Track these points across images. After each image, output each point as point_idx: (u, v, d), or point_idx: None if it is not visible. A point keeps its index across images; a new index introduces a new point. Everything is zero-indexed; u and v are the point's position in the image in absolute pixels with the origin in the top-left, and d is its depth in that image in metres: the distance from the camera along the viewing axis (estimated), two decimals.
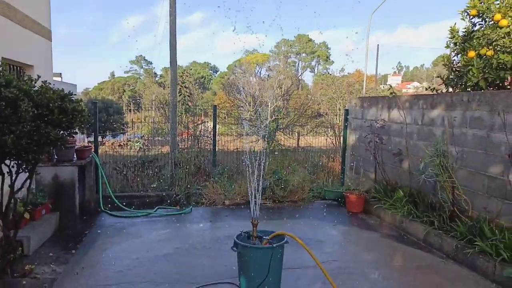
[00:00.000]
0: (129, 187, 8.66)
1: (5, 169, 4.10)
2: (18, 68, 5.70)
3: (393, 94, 6.78)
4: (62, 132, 4.08)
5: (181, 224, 6.18)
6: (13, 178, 4.13)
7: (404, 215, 5.90)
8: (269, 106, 8.91)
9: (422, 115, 6.12)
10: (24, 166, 4.05)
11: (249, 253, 3.72)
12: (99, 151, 10.22)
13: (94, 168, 7.08)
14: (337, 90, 24.99)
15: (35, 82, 4.11)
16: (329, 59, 64.24)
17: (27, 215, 5.15)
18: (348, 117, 8.48)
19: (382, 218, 6.44)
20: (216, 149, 9.02)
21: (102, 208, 6.82)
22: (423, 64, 78.41)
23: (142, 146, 12.56)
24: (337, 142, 11.39)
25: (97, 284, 4.00)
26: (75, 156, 6.43)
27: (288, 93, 14.52)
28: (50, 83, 4.22)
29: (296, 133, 12.59)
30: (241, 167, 8.78)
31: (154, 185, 8.45)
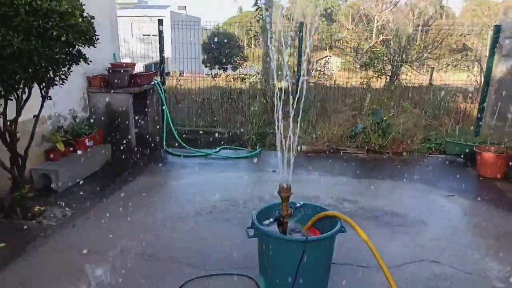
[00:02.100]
0: (214, 122, 7.79)
1: None
2: None
3: None
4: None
5: (237, 170, 4.96)
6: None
7: None
8: (375, 22, 6.64)
9: None
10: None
11: (268, 244, 2.24)
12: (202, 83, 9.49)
13: (157, 98, 6.22)
14: (491, 15, 19.72)
15: None
16: None
17: (60, 146, 4.54)
18: (498, 37, 5.72)
19: None
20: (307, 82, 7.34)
21: (164, 144, 6.02)
22: None
23: (257, 80, 11.67)
24: (482, 81, 8.46)
25: (81, 244, 3.07)
26: (131, 83, 5.58)
27: (427, 23, 11.56)
28: None
29: (430, 68, 9.85)
30: (337, 105, 6.99)
31: (237, 122, 7.38)
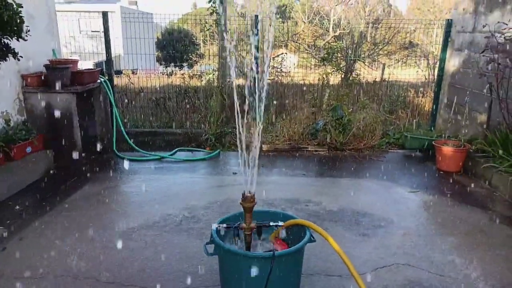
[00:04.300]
0: (171, 122, 7.38)
1: None
2: None
3: None
4: None
5: (195, 174, 4.64)
6: None
7: None
8: (331, 16, 6.58)
9: None
10: None
11: (231, 261, 1.99)
12: (166, 79, 8.95)
13: (106, 98, 5.74)
14: (435, 12, 20.67)
15: None
16: None
17: None
18: (450, 30, 5.82)
19: (494, 185, 4.16)
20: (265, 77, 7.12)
21: (114, 148, 5.56)
22: None
23: (214, 78, 11.29)
24: (430, 75, 8.75)
25: (12, 272, 2.65)
26: (74, 81, 5.07)
27: (377, 20, 11.78)
28: None
29: (381, 64, 10.03)
30: (296, 102, 6.84)
31: (194, 121, 7.02)
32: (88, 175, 4.56)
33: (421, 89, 8.24)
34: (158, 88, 8.32)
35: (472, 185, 4.25)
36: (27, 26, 3.19)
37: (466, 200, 3.84)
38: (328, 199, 3.84)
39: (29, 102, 4.88)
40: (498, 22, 4.46)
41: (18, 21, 3.10)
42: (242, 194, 2.10)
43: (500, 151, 4.18)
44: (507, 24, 4.33)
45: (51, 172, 4.68)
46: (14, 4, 3.09)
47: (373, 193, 4.07)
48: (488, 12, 4.87)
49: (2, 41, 3.17)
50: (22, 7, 3.19)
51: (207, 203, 3.72)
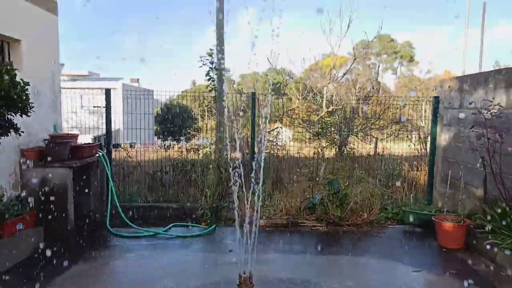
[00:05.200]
0: (167, 195, 7.30)
1: None
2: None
3: None
4: None
5: (189, 252, 4.47)
6: None
7: None
8: (324, 93, 6.90)
9: None
10: None
11: None
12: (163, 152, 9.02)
13: (102, 172, 5.74)
14: (422, 89, 21.84)
15: None
16: (414, 59, 58.47)
17: None
18: (438, 107, 6.07)
19: (500, 263, 4.02)
20: (263, 151, 7.22)
21: (108, 224, 5.41)
22: None
23: (211, 151, 11.48)
24: (422, 149, 8.95)
25: None
26: (72, 155, 5.11)
27: (367, 97, 12.46)
28: None
29: (374, 138, 10.31)
30: (292, 176, 6.88)
31: (190, 195, 6.96)
32: (79, 253, 4.39)
33: (415, 162, 8.35)
34: (156, 162, 8.37)
35: (477, 263, 4.11)
36: (32, 103, 3.30)
37: (473, 280, 3.67)
38: (328, 280, 3.67)
39: (25, 177, 4.85)
40: (484, 99, 4.69)
41: (24, 98, 3.22)
42: (239, 276, 2.00)
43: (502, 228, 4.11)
44: (492, 102, 4.55)
45: (41, 249, 4.49)
46: (22, 82, 3.23)
47: (376, 273, 3.90)
48: (473, 90, 5.13)
49: (6, 117, 3.25)
50: (29, 85, 3.33)
51: (201, 285, 3.53)
